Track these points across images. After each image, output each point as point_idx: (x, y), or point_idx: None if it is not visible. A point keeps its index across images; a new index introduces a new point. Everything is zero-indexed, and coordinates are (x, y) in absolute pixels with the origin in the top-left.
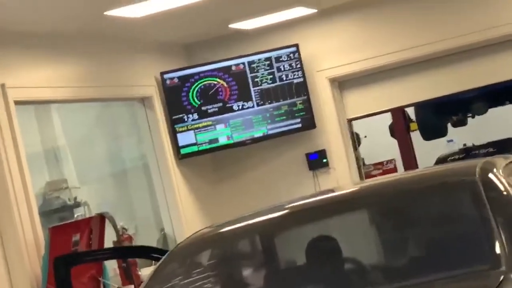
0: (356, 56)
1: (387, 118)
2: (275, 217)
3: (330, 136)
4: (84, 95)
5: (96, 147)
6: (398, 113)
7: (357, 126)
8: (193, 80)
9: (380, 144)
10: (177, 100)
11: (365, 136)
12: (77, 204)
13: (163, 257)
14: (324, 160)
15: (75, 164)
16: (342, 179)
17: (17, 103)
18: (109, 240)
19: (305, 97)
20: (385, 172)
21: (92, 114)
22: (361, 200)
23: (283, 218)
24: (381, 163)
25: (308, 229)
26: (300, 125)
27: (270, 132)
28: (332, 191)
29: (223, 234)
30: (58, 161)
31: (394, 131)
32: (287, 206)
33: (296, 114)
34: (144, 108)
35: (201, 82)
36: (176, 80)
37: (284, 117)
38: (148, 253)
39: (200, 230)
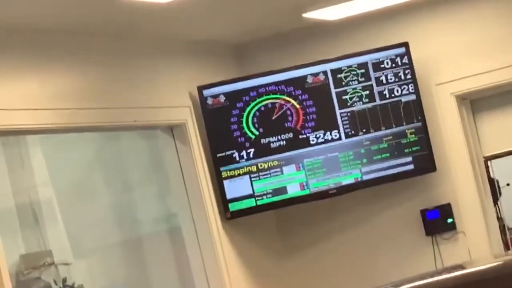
0: (496, 62)
1: None
2: None
3: (459, 183)
4: (82, 121)
5: (98, 200)
6: None
7: (496, 169)
8: (247, 98)
9: None
10: (224, 129)
11: (508, 184)
12: None
13: None
14: (449, 221)
15: (66, 227)
16: (476, 249)
17: None
18: None
19: (420, 123)
20: None
21: (91, 151)
22: (508, 281)
23: None
24: None
25: None
26: (412, 167)
27: (366, 177)
28: (463, 268)
29: None
30: (39, 223)
31: None
32: None
33: (406, 150)
34: (173, 140)
35: (260, 102)
36: (222, 99)
37: (388, 155)
38: None
39: None
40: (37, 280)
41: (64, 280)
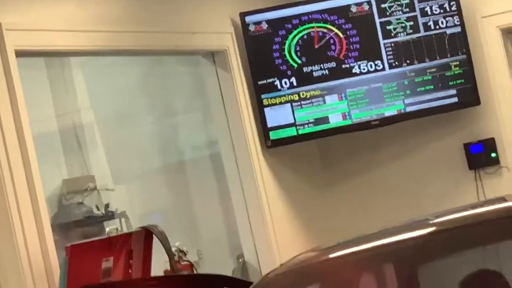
0: None
1: None
2: (416, 239)
3: (503, 118)
4: (122, 44)
5: (139, 126)
6: None
7: None
8: (290, 26)
9: None
10: (266, 56)
11: None
12: (110, 214)
13: None
14: (493, 155)
15: (107, 153)
16: None
17: (19, 54)
18: (158, 268)
19: (465, 56)
20: None
21: (134, 75)
22: None
23: (428, 242)
24: None
25: (465, 260)
26: (456, 100)
27: (409, 109)
28: (504, 200)
29: (337, 262)
30: (82, 148)
31: None
32: (434, 222)
33: (451, 83)
34: (214, 66)
35: (303, 30)
36: (264, 26)
37: (432, 87)
38: (219, 285)
39: (301, 254)
40: (80, 205)
41: (107, 206)
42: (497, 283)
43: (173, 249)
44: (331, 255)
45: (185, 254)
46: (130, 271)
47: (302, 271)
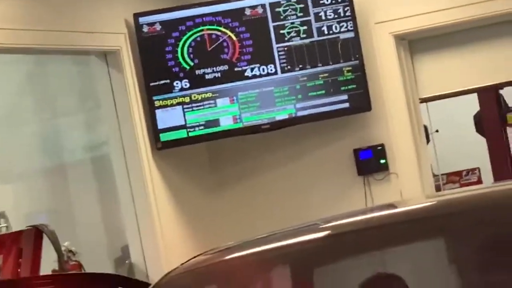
0: (436, 3)
1: (472, 103)
2: (313, 241)
3: (393, 124)
4: (13, 42)
5: (25, 124)
6: (489, 96)
7: (425, 114)
8: (184, 28)
9: (459, 144)
10: (159, 58)
11: (437, 131)
12: None
13: None
14: (382, 161)
15: None
16: (408, 190)
17: None
18: (46, 268)
19: (357, 61)
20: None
21: (22, 74)
22: (440, 221)
23: (326, 244)
24: (458, 173)
25: (359, 264)
26: (347, 105)
27: (300, 113)
28: (394, 206)
29: (236, 263)
30: None
31: (481, 123)
32: (324, 227)
33: (343, 88)
34: (106, 67)
35: (196, 32)
36: (157, 27)
37: (323, 92)
38: (114, 285)
39: (200, 255)
40: None
41: None
42: (396, 285)
43: (63, 248)
44: (231, 256)
45: (74, 254)
46: (19, 269)
47: (201, 271)
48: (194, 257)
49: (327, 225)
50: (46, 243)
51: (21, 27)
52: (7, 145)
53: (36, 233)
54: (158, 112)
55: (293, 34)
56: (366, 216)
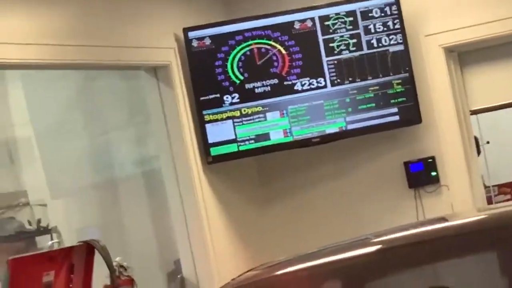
0: (485, 15)
1: None
2: (365, 256)
3: (444, 136)
4: (63, 58)
5: (75, 140)
6: None
7: (475, 126)
8: (233, 42)
9: (510, 155)
10: (208, 72)
11: (488, 142)
12: (43, 229)
13: None
14: (433, 174)
15: (44, 168)
16: (459, 202)
17: None
18: (98, 283)
19: (407, 74)
20: None
21: (72, 89)
22: (492, 235)
23: (377, 259)
24: (510, 185)
25: (410, 278)
26: (397, 118)
27: (351, 126)
28: (445, 220)
29: (288, 278)
30: (14, 162)
31: None
32: (375, 241)
33: (392, 101)
34: (156, 82)
35: (246, 46)
36: (207, 42)
37: (373, 105)
38: None
39: (252, 270)
40: (11, 220)
41: (39, 221)
42: None
43: (114, 263)
44: (282, 271)
45: (125, 269)
46: (70, 285)
47: (254, 286)
48: (245, 272)
49: (378, 239)
50: (98, 258)
51: (71, 43)
52: (58, 161)
53: (88, 249)
54: (208, 126)
55: (342, 47)
56: (418, 230)
